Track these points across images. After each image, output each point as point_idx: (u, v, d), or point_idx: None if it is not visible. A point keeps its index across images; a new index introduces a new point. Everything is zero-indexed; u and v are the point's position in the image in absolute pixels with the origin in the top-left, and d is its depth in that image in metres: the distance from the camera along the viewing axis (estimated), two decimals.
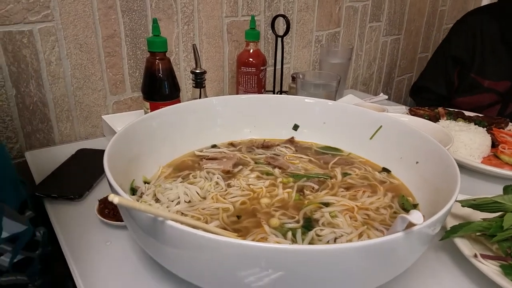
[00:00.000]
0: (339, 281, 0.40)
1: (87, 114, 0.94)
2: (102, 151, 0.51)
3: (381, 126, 0.71)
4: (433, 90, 1.35)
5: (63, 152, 0.83)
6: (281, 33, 1.09)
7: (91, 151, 0.84)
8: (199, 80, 0.88)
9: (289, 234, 0.49)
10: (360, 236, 0.50)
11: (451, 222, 0.58)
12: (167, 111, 0.70)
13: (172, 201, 0.56)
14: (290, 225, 0.51)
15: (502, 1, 1.24)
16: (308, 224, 0.52)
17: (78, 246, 0.57)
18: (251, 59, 1.04)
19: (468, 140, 0.85)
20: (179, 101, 0.84)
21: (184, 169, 0.66)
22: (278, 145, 0.76)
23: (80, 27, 0.86)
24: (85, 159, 0.81)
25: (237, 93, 1.10)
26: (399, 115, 0.92)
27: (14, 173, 0.54)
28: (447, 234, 0.55)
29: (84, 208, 0.66)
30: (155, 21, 0.79)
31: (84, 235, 0.59)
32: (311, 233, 0.49)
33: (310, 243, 0.48)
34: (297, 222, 0.52)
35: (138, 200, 0.56)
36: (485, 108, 1.23)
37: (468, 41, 1.25)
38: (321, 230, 0.50)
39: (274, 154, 0.73)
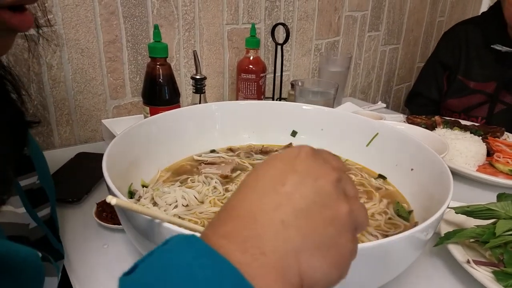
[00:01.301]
0: None
1: (87, 118, 0.95)
2: (101, 155, 0.52)
3: (377, 134, 0.72)
4: (425, 95, 1.43)
5: (62, 155, 0.84)
6: (281, 41, 1.11)
7: (90, 154, 0.84)
8: (199, 86, 0.90)
9: None
10: None
11: (445, 229, 0.58)
12: (166, 116, 0.71)
13: (170, 204, 0.56)
14: None
15: (485, 13, 1.35)
16: None
17: (75, 249, 0.57)
18: (251, 66, 1.05)
19: (463, 148, 0.86)
20: (179, 106, 0.85)
21: (182, 173, 0.67)
22: (276, 150, 0.77)
23: (81, 32, 0.88)
24: (84, 162, 0.82)
25: (237, 99, 1.11)
26: (395, 123, 0.93)
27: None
28: (441, 240, 0.56)
29: (82, 211, 0.66)
30: (156, 27, 0.80)
31: (81, 237, 0.60)
32: None
33: None
34: None
35: (136, 203, 0.56)
36: (474, 108, 1.30)
37: (454, 48, 1.35)
38: None
39: None
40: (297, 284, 0.24)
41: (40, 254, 0.38)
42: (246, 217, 0.25)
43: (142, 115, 0.89)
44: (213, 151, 0.76)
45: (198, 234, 0.25)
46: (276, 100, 1.18)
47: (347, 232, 0.27)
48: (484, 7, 1.92)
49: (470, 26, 1.34)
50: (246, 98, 1.08)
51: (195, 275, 0.21)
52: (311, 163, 0.28)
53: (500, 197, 0.61)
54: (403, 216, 0.57)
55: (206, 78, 0.90)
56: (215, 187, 0.62)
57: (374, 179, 0.68)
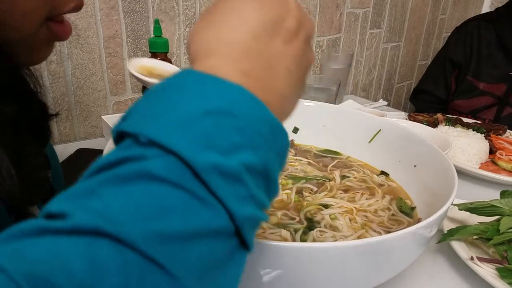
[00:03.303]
0: (335, 280, 0.41)
1: (87, 114, 0.94)
2: (101, 151, 0.51)
3: (380, 130, 0.71)
4: (432, 93, 1.40)
5: (62, 151, 0.83)
6: None
7: (91, 151, 0.84)
8: None
9: (288, 233, 0.50)
10: (358, 238, 0.50)
11: (448, 226, 0.58)
12: None
13: None
14: (293, 226, 0.51)
15: (498, 9, 1.31)
16: (310, 225, 0.52)
17: None
18: None
19: (466, 146, 0.86)
20: None
21: None
22: None
23: (81, 27, 0.87)
24: (84, 158, 0.81)
25: None
26: (398, 120, 0.92)
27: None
28: (444, 237, 0.55)
29: None
30: (157, 22, 0.80)
31: None
32: (312, 233, 0.50)
33: None
34: (300, 223, 0.52)
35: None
36: (482, 110, 1.28)
37: (465, 46, 1.32)
38: (321, 233, 0.50)
39: None
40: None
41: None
42: (260, 58, 0.27)
43: None
44: None
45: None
46: None
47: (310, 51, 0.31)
48: (486, 5, 1.92)
49: (483, 22, 1.30)
50: None
51: (208, 93, 0.22)
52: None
53: (503, 194, 0.60)
54: (406, 212, 0.57)
55: None
56: None
57: (377, 175, 0.67)
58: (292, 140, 0.79)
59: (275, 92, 0.27)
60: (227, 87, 0.23)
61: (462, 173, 0.81)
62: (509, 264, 0.50)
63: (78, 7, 0.36)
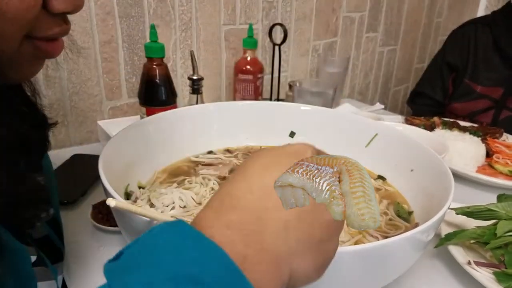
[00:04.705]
0: (333, 286, 0.40)
1: (83, 119, 0.94)
2: (97, 157, 0.51)
3: (376, 134, 0.71)
4: (429, 95, 1.40)
5: (57, 157, 0.82)
6: (278, 41, 1.10)
7: (86, 156, 0.83)
8: (196, 87, 0.89)
9: None
10: (355, 244, 0.50)
11: (445, 230, 0.58)
12: (163, 116, 0.70)
13: (167, 206, 0.55)
14: None
15: (495, 12, 1.31)
16: None
17: (70, 250, 0.57)
18: (248, 67, 1.04)
19: (463, 149, 0.86)
20: (176, 107, 0.85)
21: (179, 174, 0.66)
22: None
23: (77, 32, 0.87)
24: (79, 164, 0.81)
25: (234, 100, 1.10)
26: (394, 124, 0.93)
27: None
28: (441, 242, 0.55)
29: (78, 213, 0.65)
30: (153, 27, 0.80)
31: (77, 239, 0.59)
32: None
33: None
34: None
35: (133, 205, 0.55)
36: (479, 113, 1.27)
37: (462, 48, 1.32)
38: None
39: None
40: (286, 282, 0.25)
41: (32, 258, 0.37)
42: (250, 211, 0.25)
43: (139, 116, 0.88)
44: (210, 152, 0.75)
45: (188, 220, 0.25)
46: (274, 101, 1.18)
47: (337, 236, 0.28)
48: (481, 8, 1.93)
49: (479, 25, 1.30)
50: (243, 99, 1.07)
51: (181, 256, 0.21)
52: None
53: (500, 198, 0.60)
54: (403, 217, 0.57)
55: (203, 79, 0.89)
56: (212, 188, 0.61)
57: (374, 180, 0.67)
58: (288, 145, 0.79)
59: (263, 248, 0.24)
60: (205, 247, 0.22)
61: (459, 177, 0.80)
62: (506, 268, 0.50)
63: (63, 33, 0.34)
